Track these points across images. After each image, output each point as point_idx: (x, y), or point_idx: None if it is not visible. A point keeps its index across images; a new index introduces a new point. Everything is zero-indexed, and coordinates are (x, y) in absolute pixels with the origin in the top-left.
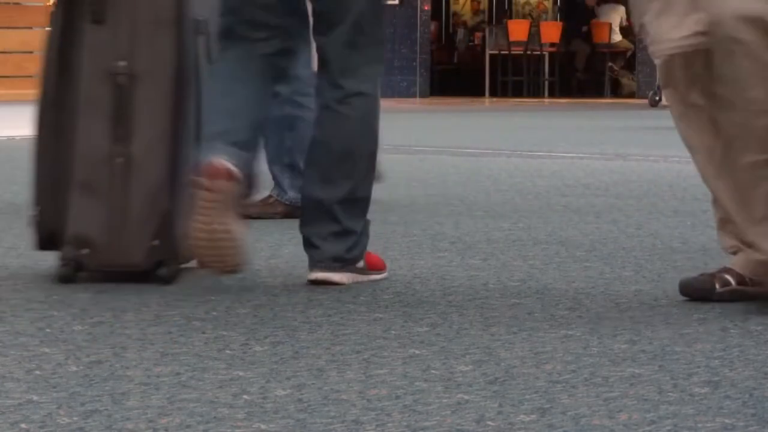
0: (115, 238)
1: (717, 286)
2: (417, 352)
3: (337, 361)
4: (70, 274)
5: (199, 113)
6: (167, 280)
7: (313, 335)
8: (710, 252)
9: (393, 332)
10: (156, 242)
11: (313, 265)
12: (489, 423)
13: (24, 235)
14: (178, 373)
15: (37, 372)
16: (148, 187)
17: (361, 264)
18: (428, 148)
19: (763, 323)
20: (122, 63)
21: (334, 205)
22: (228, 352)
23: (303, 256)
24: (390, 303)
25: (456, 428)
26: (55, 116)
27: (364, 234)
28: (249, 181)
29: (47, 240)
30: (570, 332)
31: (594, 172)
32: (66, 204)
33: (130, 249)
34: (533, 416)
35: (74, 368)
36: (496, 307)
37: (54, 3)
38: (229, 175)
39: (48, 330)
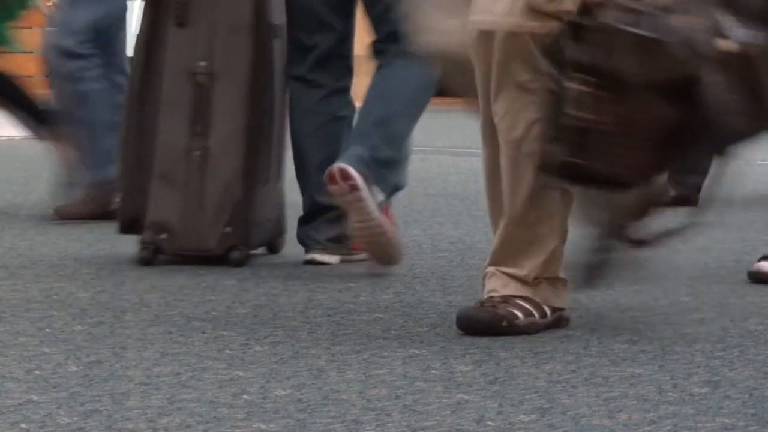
0: (191, 224)
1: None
2: (417, 352)
3: (337, 361)
4: (149, 257)
5: (281, 113)
6: (239, 264)
7: (313, 335)
8: (710, 252)
9: (393, 332)
10: (228, 229)
11: None
12: (489, 423)
13: (24, 235)
14: (178, 373)
15: (37, 372)
16: (223, 179)
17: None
18: (428, 148)
19: (763, 323)
20: (202, 63)
21: None
22: (228, 352)
23: (303, 256)
24: (390, 303)
25: (456, 428)
26: (140, 111)
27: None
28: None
29: (129, 225)
30: (570, 332)
31: None
32: (147, 192)
33: (205, 235)
34: (533, 416)
35: (74, 368)
36: None
37: (143, 8)
38: (346, 176)
39: (48, 330)
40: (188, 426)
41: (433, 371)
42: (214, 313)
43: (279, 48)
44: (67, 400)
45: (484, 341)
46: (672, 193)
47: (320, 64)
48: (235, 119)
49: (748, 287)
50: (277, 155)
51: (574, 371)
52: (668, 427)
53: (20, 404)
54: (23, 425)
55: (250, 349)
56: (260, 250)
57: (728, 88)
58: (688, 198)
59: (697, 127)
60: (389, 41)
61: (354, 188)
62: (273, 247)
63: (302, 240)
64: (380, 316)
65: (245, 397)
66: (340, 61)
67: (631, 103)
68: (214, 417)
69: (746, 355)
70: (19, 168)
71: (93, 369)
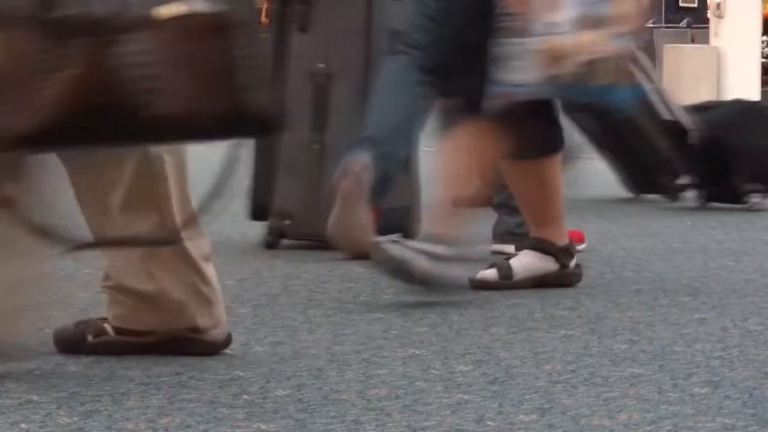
0: (311, 211)
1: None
2: (417, 352)
3: (337, 361)
4: (274, 241)
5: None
6: None
7: (313, 335)
8: (710, 252)
9: (393, 332)
10: None
11: None
12: (489, 423)
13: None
14: (178, 373)
15: (37, 372)
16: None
17: None
18: (428, 148)
19: (763, 323)
20: (321, 65)
21: None
22: (228, 352)
23: (303, 257)
24: (390, 303)
25: (456, 428)
26: None
27: None
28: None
29: (258, 212)
30: (570, 332)
31: (594, 171)
32: (274, 183)
33: (323, 221)
34: (533, 416)
35: (74, 368)
36: (496, 307)
37: (267, 16)
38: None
39: (48, 330)
40: (188, 426)
41: (433, 371)
42: None
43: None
44: (67, 400)
45: (485, 341)
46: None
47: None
48: (350, 117)
49: (748, 287)
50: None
51: (574, 371)
52: (668, 427)
53: (20, 404)
54: (23, 425)
55: (250, 349)
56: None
57: (146, 60)
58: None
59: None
60: None
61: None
62: (407, 233)
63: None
64: (380, 316)
65: (245, 397)
66: None
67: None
68: (214, 417)
69: (746, 355)
70: None
71: (93, 369)
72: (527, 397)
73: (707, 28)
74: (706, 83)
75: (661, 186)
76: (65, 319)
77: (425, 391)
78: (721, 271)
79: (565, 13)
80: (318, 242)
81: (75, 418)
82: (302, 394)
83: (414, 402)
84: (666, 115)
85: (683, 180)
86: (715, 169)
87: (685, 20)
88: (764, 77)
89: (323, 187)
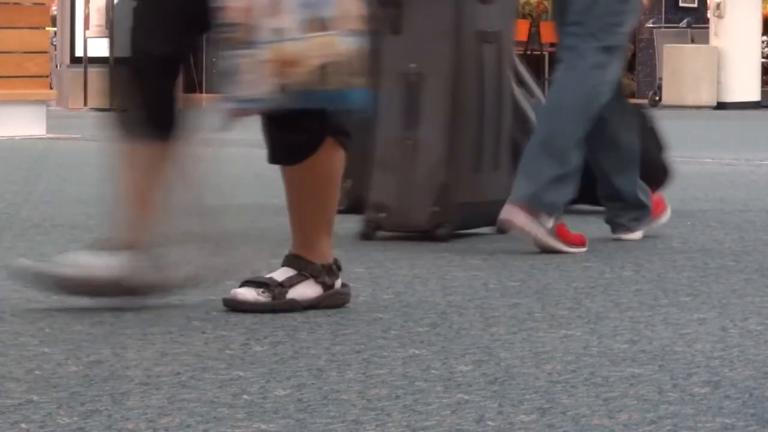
0: (404, 204)
1: None
2: (417, 352)
3: (337, 361)
4: (371, 233)
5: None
6: (444, 239)
7: (313, 335)
8: (710, 252)
9: (393, 332)
10: (436, 208)
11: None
12: (489, 423)
13: (24, 235)
14: (178, 373)
15: (37, 372)
16: (430, 164)
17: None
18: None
19: (763, 323)
20: (412, 65)
21: None
22: (228, 352)
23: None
24: (390, 303)
25: (456, 428)
26: None
27: None
28: None
29: (355, 206)
30: (570, 332)
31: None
32: (369, 177)
33: (415, 213)
34: (533, 416)
35: (74, 368)
36: (496, 307)
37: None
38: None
39: (48, 330)
40: (188, 426)
41: (433, 371)
42: (214, 313)
43: (491, 51)
44: (67, 400)
45: (485, 341)
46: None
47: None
48: (440, 114)
49: (748, 287)
50: (494, 146)
51: (574, 371)
52: (668, 427)
53: (20, 404)
54: (23, 425)
55: (250, 349)
56: (487, 230)
57: None
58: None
59: None
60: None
61: (524, 232)
62: (501, 228)
63: (609, 221)
64: (380, 316)
65: (245, 397)
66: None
67: None
68: (214, 417)
69: (746, 355)
70: (19, 168)
71: (93, 369)
72: (527, 397)
73: (707, 28)
74: (706, 83)
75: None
76: (65, 318)
77: (425, 391)
78: (721, 271)
79: (289, 18)
80: (411, 233)
81: (75, 418)
82: (302, 394)
83: (414, 402)
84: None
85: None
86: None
87: (685, 20)
88: (764, 77)
89: (416, 181)
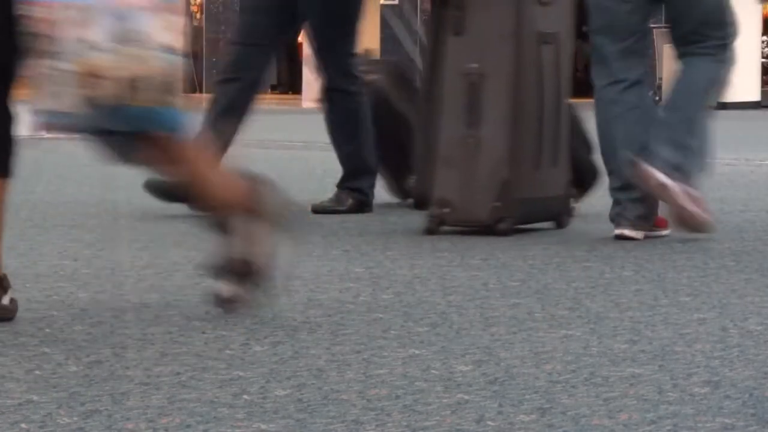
0: (467, 200)
1: None
2: (417, 352)
3: (337, 361)
4: (434, 228)
5: (556, 108)
6: (505, 233)
7: (313, 335)
8: (710, 252)
9: (393, 332)
10: (497, 204)
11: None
12: (489, 423)
13: (24, 234)
14: (178, 373)
15: (37, 372)
16: (492, 162)
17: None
18: None
19: (763, 323)
20: (474, 65)
21: None
22: (228, 352)
23: (303, 256)
24: (390, 303)
25: (456, 428)
26: (428, 108)
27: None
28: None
29: (420, 202)
30: (570, 332)
31: None
32: (433, 174)
33: (478, 209)
34: (533, 416)
35: (74, 368)
36: (496, 307)
37: (428, 21)
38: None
39: (48, 330)
40: (188, 426)
41: (433, 371)
42: (214, 313)
43: (550, 51)
44: (67, 400)
45: (485, 341)
46: (349, 201)
47: (623, 61)
48: (501, 112)
49: (748, 287)
50: (553, 143)
51: (574, 371)
52: (668, 427)
53: (20, 404)
54: (23, 425)
55: (250, 349)
56: (547, 225)
57: None
58: (365, 203)
59: None
60: (689, 40)
61: (663, 187)
62: (560, 223)
63: (612, 218)
64: (380, 316)
65: (245, 397)
66: (639, 58)
67: None
68: (214, 417)
69: (746, 355)
70: (19, 168)
71: (93, 369)
72: (527, 397)
73: None
74: None
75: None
76: (65, 318)
77: (425, 391)
78: (721, 271)
79: (99, 30)
80: (474, 228)
81: (75, 418)
82: (302, 394)
83: (414, 402)
84: None
85: None
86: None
87: None
88: (764, 77)
89: (478, 178)
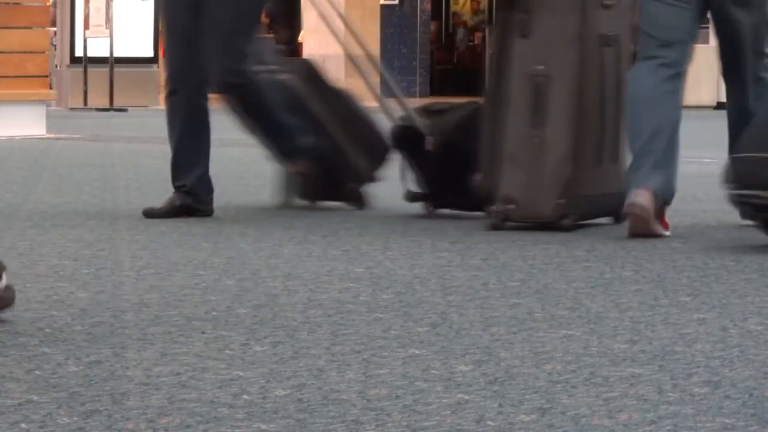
0: (532, 197)
1: None
2: (417, 352)
3: (337, 361)
4: (499, 224)
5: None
6: (569, 229)
7: (313, 335)
8: (710, 252)
9: (393, 332)
10: (561, 200)
11: None
12: (489, 423)
13: (24, 235)
14: (178, 373)
15: (37, 372)
16: (556, 160)
17: None
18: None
19: (763, 323)
20: (540, 67)
21: None
22: (228, 352)
23: (303, 256)
24: (390, 303)
25: (456, 428)
26: (494, 108)
27: None
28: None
29: (484, 198)
30: (570, 332)
31: None
32: (498, 172)
33: (542, 205)
34: (533, 416)
35: (74, 368)
36: (496, 307)
37: (495, 25)
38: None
39: (48, 330)
40: (188, 426)
41: (433, 371)
42: (214, 313)
43: (611, 54)
44: (67, 400)
45: (485, 341)
46: (178, 202)
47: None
48: (565, 113)
49: (748, 287)
50: (612, 141)
51: (574, 371)
52: (668, 427)
53: (20, 404)
54: (23, 425)
55: (250, 349)
56: (605, 220)
57: None
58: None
59: None
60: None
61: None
62: (617, 218)
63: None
64: (380, 316)
65: (245, 397)
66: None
67: None
68: (214, 417)
69: (746, 355)
70: (19, 168)
71: (93, 369)
72: (527, 397)
73: (707, 28)
74: (706, 83)
75: (346, 193)
76: (65, 318)
77: (425, 391)
78: (721, 271)
79: None
80: (538, 223)
81: (75, 418)
82: (302, 394)
83: (414, 402)
84: (399, 121)
85: (365, 187)
86: (454, 175)
87: None
88: None
89: (543, 175)
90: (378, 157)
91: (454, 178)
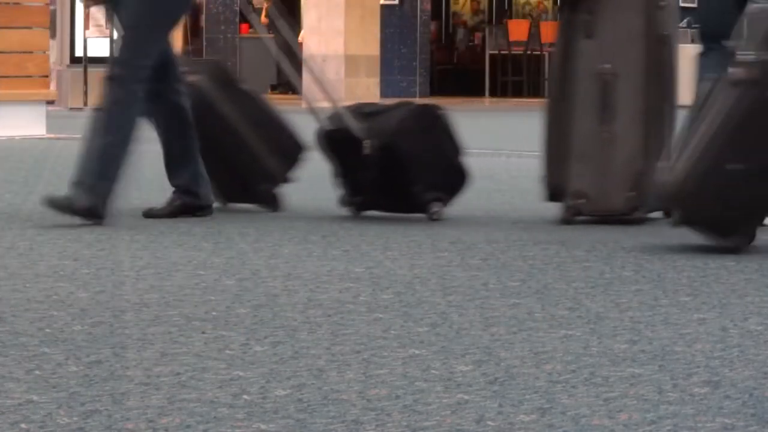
0: (602, 191)
1: None
2: (417, 352)
3: (337, 361)
4: (571, 218)
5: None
6: (640, 222)
7: (313, 335)
8: (710, 252)
9: (393, 332)
10: (632, 193)
11: None
12: (489, 423)
13: (24, 235)
14: (178, 373)
15: (37, 372)
16: (626, 154)
17: None
18: None
19: (763, 323)
20: (607, 65)
21: None
22: (228, 352)
23: (303, 256)
24: (390, 303)
25: (456, 428)
26: (560, 107)
27: None
28: None
29: (553, 194)
30: (570, 332)
31: None
32: (567, 168)
33: (613, 199)
34: (533, 416)
35: (74, 368)
36: (496, 307)
37: (559, 26)
38: None
39: (48, 330)
40: (188, 426)
41: (433, 371)
42: (214, 313)
43: (667, 52)
44: (67, 400)
45: (485, 341)
46: (177, 201)
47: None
48: (633, 109)
49: (748, 287)
50: (668, 138)
51: (574, 371)
52: (668, 427)
53: (20, 404)
54: (23, 425)
55: (250, 349)
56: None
57: None
58: (193, 206)
59: None
60: None
61: None
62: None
63: None
64: (380, 316)
65: (245, 397)
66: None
67: None
68: (214, 417)
69: (746, 355)
70: (19, 168)
71: (93, 369)
72: (527, 397)
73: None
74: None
75: (259, 194)
76: (65, 318)
77: (425, 391)
78: (721, 271)
79: None
80: (610, 216)
81: (75, 418)
82: (302, 394)
83: (414, 402)
84: (328, 124)
85: (279, 188)
86: (393, 178)
87: (685, 20)
88: None
89: (613, 170)
90: (290, 158)
91: (393, 181)
